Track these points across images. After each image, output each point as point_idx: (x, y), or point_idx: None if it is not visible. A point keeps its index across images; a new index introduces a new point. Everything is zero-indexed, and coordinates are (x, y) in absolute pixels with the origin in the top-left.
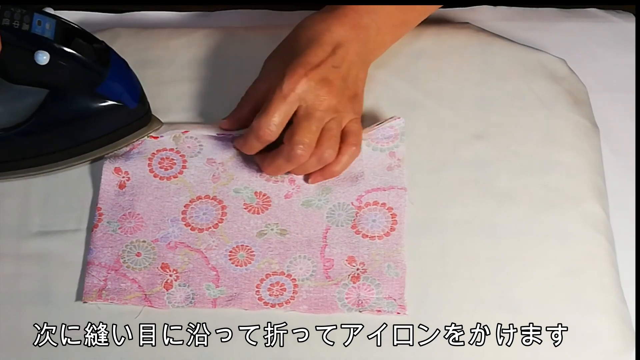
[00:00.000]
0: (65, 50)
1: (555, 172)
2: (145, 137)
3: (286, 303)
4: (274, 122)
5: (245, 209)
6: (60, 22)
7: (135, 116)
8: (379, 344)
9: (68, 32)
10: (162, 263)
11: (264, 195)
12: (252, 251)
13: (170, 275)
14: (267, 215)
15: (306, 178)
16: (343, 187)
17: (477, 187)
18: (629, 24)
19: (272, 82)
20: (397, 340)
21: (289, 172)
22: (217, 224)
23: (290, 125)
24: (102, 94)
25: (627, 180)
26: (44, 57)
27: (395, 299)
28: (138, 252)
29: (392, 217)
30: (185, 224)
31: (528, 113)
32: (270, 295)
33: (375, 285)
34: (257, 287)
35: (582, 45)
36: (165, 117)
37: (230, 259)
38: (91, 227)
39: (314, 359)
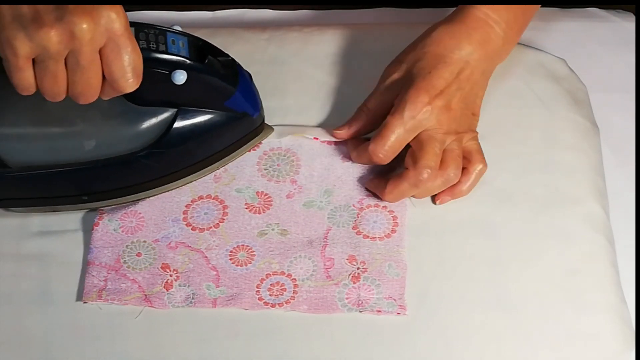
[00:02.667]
0: (201, 68)
1: (555, 172)
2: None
3: (286, 303)
4: (390, 147)
5: (246, 208)
6: (192, 39)
7: (256, 124)
8: (378, 343)
9: (200, 49)
10: (163, 263)
11: (265, 195)
12: (253, 251)
13: (171, 276)
14: (268, 215)
15: (431, 199)
16: (344, 189)
17: (477, 187)
18: (629, 24)
19: (390, 98)
20: (396, 340)
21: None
22: (218, 223)
23: (409, 149)
24: (230, 107)
25: (627, 180)
26: (182, 77)
27: (395, 299)
28: (138, 252)
29: (393, 220)
30: (186, 224)
31: (528, 113)
32: (270, 295)
33: (376, 286)
34: (257, 287)
35: (582, 45)
36: None
37: (230, 259)
38: (91, 227)
39: (314, 358)
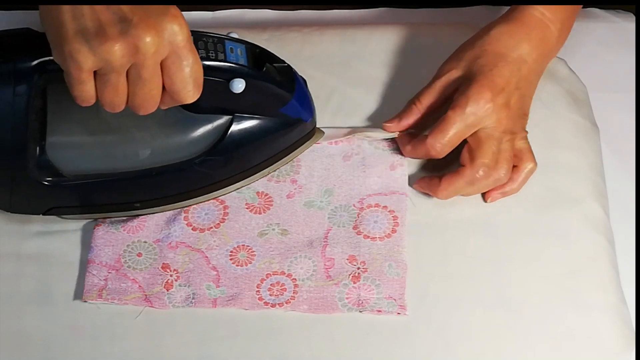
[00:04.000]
0: (259, 76)
1: (555, 172)
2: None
3: (286, 303)
4: (449, 141)
5: (247, 208)
6: (250, 46)
7: (309, 129)
8: (378, 343)
9: (258, 56)
10: (163, 263)
11: (265, 195)
12: (253, 251)
13: (171, 276)
14: (268, 215)
15: (483, 196)
16: (344, 189)
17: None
18: (629, 24)
19: (445, 94)
20: (396, 340)
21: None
22: (218, 223)
23: (466, 145)
24: (286, 113)
25: (627, 180)
26: (240, 85)
27: (395, 299)
28: (139, 253)
29: (393, 220)
30: (187, 224)
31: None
32: (270, 295)
33: (376, 285)
34: (257, 287)
35: (582, 45)
36: None
37: (230, 259)
38: (92, 227)
39: (314, 358)
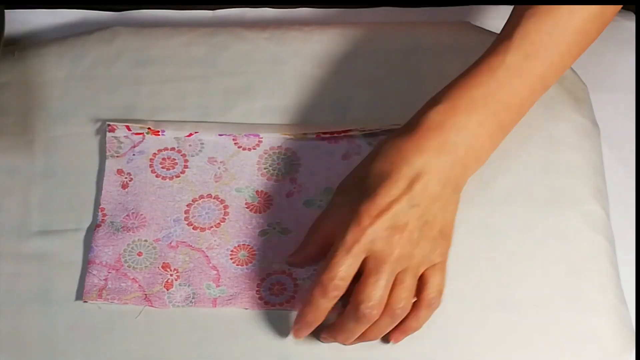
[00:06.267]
0: None
1: (555, 172)
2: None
3: (287, 302)
4: (339, 277)
5: (247, 208)
6: None
7: None
8: (378, 344)
9: None
10: (163, 262)
11: (265, 194)
12: (254, 250)
13: (171, 275)
14: (269, 215)
15: (386, 336)
16: None
17: (477, 186)
18: (629, 23)
19: (339, 221)
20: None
21: (365, 336)
22: (219, 223)
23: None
24: None
25: (627, 180)
26: None
27: None
28: (139, 252)
29: None
30: (187, 223)
31: (528, 113)
32: (271, 294)
33: None
34: (257, 287)
35: None
36: (165, 116)
37: (231, 259)
38: (93, 227)
39: (314, 358)
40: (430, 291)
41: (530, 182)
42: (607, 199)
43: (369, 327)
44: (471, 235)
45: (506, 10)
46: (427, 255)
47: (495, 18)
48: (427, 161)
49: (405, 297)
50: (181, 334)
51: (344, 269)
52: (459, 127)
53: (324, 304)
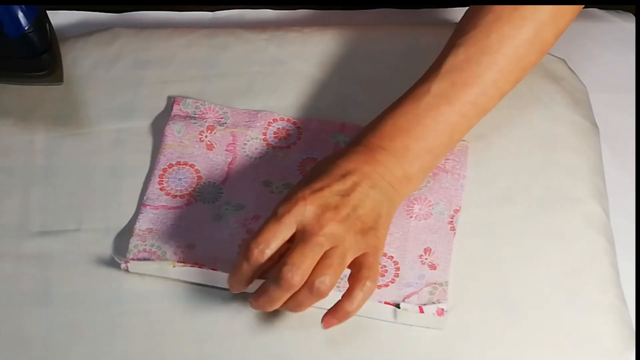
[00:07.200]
0: None
1: (555, 172)
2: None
3: None
4: (264, 244)
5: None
6: None
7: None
8: (378, 344)
9: None
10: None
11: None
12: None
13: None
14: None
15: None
16: None
17: (477, 187)
18: (629, 24)
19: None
20: (396, 340)
21: (286, 306)
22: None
23: None
24: None
25: (627, 180)
26: None
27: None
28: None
29: None
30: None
31: (528, 113)
32: None
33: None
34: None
35: (582, 45)
36: (165, 116)
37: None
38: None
39: (314, 358)
40: (364, 272)
41: (530, 182)
42: (607, 199)
43: (290, 297)
44: (471, 235)
45: None
46: (357, 241)
47: None
48: (361, 165)
49: (328, 273)
50: (181, 334)
51: (270, 236)
52: (385, 148)
53: (247, 269)
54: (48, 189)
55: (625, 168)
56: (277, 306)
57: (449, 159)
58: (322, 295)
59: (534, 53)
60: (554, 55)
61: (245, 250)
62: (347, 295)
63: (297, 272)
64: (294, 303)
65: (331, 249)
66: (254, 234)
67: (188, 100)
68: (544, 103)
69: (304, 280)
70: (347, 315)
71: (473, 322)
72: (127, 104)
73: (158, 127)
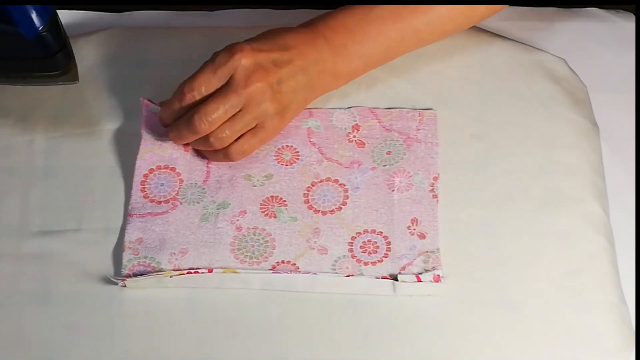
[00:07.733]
0: None
1: (555, 172)
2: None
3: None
4: (194, 87)
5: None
6: None
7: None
8: (378, 343)
9: None
10: None
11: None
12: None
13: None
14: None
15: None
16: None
17: (477, 187)
18: (629, 24)
19: None
20: (396, 340)
21: (195, 144)
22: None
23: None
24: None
25: (627, 180)
26: None
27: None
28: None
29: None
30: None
31: (528, 113)
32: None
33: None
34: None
35: (582, 45)
36: None
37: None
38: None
39: (314, 358)
40: (260, 133)
41: (530, 182)
42: (607, 199)
43: (200, 139)
44: (471, 235)
45: (505, 11)
46: (268, 114)
47: (495, 19)
48: (299, 45)
49: (233, 126)
50: (181, 334)
51: (203, 82)
52: (326, 39)
53: (177, 106)
54: (48, 189)
55: (625, 168)
56: (184, 142)
57: (420, 129)
58: (216, 146)
59: (483, 7)
60: (554, 55)
61: (177, 92)
62: (237, 141)
63: (205, 122)
64: (203, 144)
65: (244, 110)
66: (189, 77)
67: (155, 106)
68: (544, 103)
69: (211, 129)
70: (226, 156)
71: (473, 322)
72: (127, 104)
73: None
